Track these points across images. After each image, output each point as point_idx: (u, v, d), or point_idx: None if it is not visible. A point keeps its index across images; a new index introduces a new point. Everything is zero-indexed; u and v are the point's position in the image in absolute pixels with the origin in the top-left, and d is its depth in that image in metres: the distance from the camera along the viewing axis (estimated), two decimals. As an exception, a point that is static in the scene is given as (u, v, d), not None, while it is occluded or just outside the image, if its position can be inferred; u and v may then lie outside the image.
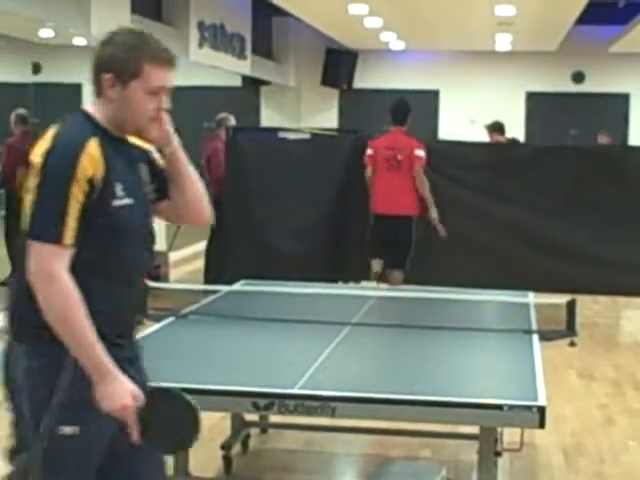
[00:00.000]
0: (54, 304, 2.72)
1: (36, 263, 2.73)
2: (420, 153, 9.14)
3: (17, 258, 2.87)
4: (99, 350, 2.73)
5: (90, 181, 2.73)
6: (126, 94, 2.87)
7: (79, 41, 12.32)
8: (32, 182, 2.76)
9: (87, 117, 2.90)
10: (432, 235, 9.23)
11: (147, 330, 4.67)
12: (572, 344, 7.99)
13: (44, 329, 2.74)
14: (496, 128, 12.24)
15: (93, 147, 2.77)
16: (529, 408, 3.45)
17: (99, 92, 2.93)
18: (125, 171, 2.87)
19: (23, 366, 2.81)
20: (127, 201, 2.83)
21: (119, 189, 2.81)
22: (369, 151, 9.19)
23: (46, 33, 11.35)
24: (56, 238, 2.72)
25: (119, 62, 2.89)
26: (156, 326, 4.82)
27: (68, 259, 2.74)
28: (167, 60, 2.90)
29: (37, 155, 2.76)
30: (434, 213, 9.14)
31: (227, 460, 5.10)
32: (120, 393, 2.75)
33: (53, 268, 2.71)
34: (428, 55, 19.12)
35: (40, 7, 9.62)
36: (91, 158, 2.74)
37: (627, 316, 10.65)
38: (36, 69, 13.18)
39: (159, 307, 5.15)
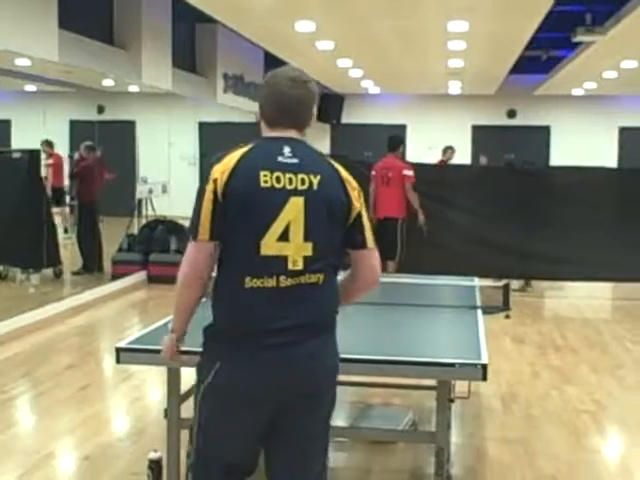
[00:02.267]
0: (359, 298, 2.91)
1: (378, 266, 2.79)
2: (408, 173, 9.48)
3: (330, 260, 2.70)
4: None
5: None
6: None
7: (133, 88, 12.30)
8: (364, 207, 2.76)
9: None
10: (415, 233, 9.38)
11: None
12: (507, 317, 8.06)
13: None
14: (445, 150, 12.78)
15: None
16: (474, 365, 3.44)
17: (310, 123, 2.80)
18: None
19: (335, 354, 2.77)
20: None
21: None
22: (372, 172, 9.56)
23: (108, 82, 11.32)
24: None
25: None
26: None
27: None
28: None
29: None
30: (421, 218, 9.44)
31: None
32: None
33: None
34: (398, 97, 19.12)
35: (103, 62, 9.62)
36: None
37: (549, 295, 10.66)
38: (100, 110, 13.14)
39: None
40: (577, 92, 17.64)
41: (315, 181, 2.62)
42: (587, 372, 6.64)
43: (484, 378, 3.44)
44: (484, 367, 3.43)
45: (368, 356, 3.61)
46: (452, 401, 4.00)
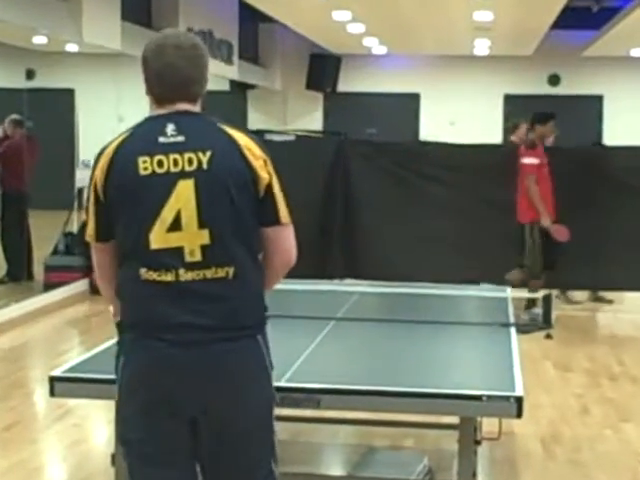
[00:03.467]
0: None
1: (293, 245, 3.00)
2: (528, 161, 9.18)
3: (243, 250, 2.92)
4: None
5: None
6: None
7: (71, 47, 12.29)
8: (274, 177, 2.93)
9: None
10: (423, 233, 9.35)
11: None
12: (548, 336, 8.04)
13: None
14: (515, 125, 11.90)
15: None
16: (507, 398, 3.46)
17: (203, 92, 3.02)
18: None
19: (262, 357, 2.95)
20: None
21: None
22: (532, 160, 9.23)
23: (39, 40, 11.31)
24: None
25: None
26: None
27: None
28: None
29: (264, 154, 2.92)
30: (546, 221, 9.12)
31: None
32: None
33: None
34: (409, 59, 19.13)
35: (33, 15, 9.60)
36: None
37: (602, 309, 10.67)
38: (29, 75, 13.13)
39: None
40: (637, 52, 17.68)
41: (205, 159, 2.85)
42: (650, 407, 6.67)
43: (519, 415, 3.46)
44: (519, 401, 3.44)
45: (372, 387, 3.62)
46: (478, 443, 4.01)
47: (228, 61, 14.73)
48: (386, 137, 16.16)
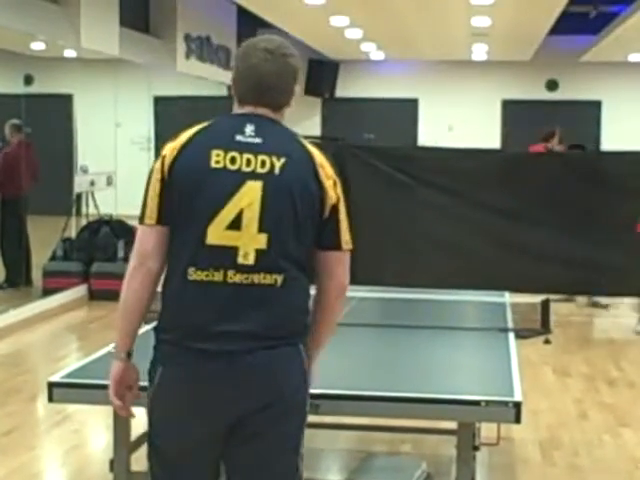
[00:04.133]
0: (340, 311, 3.02)
1: (348, 272, 2.94)
2: None
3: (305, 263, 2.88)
4: None
5: None
6: None
7: (70, 53, 12.30)
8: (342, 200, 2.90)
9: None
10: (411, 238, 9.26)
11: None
12: (547, 342, 8.06)
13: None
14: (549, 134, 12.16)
15: None
16: (505, 404, 3.46)
17: (288, 103, 3.02)
18: None
19: (302, 366, 2.88)
20: None
21: None
22: None
23: (37, 46, 11.31)
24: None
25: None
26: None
27: None
28: None
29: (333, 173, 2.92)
30: None
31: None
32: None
33: None
34: (407, 65, 19.15)
35: (31, 20, 9.60)
36: None
37: (600, 314, 10.68)
38: (28, 80, 13.13)
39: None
40: (635, 58, 17.70)
41: (278, 164, 2.80)
42: (648, 412, 6.67)
43: (518, 420, 3.46)
44: (517, 406, 3.45)
45: (370, 392, 3.62)
46: (477, 449, 4.01)
47: (226, 67, 14.74)
48: (385, 142, 16.15)
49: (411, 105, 19.22)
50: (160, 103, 15.52)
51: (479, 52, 17.52)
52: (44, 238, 11.34)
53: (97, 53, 11.02)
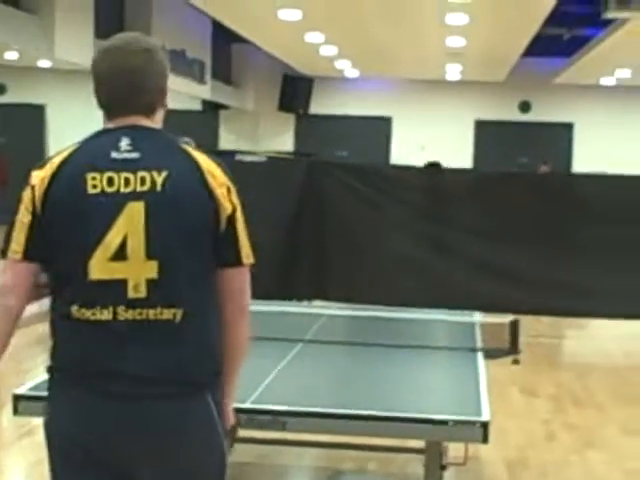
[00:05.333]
0: (247, 335, 2.66)
1: (248, 288, 2.63)
2: None
3: (194, 293, 2.54)
4: None
5: None
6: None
7: (44, 63, 12.26)
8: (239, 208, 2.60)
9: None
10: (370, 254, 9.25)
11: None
12: (515, 362, 8.06)
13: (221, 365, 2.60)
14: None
15: None
16: (473, 423, 3.46)
17: (161, 104, 2.70)
18: None
19: (211, 422, 2.56)
20: None
21: None
22: None
23: (11, 55, 11.27)
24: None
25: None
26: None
27: None
28: None
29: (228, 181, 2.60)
30: None
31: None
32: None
33: None
34: (381, 83, 19.22)
35: (4, 30, 9.57)
36: None
37: (568, 335, 10.72)
38: (1, 90, 13.08)
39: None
40: (607, 81, 17.85)
41: (159, 180, 2.50)
42: (616, 433, 6.67)
43: (485, 440, 3.46)
44: (485, 426, 3.44)
45: (338, 410, 3.61)
46: (444, 468, 4.00)
47: (200, 81, 14.74)
48: (357, 160, 16.20)
49: (384, 123, 19.32)
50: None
51: (453, 72, 17.62)
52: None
53: (71, 64, 10.99)
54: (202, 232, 2.52)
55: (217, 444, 2.57)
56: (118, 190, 2.48)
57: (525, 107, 19.39)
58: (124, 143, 2.53)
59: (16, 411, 3.66)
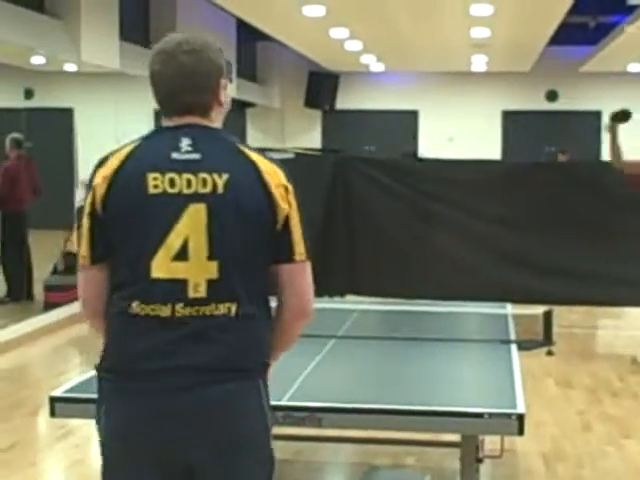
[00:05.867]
0: (297, 334, 2.82)
1: (309, 287, 2.67)
2: None
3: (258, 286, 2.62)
4: None
5: None
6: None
7: (70, 67, 12.32)
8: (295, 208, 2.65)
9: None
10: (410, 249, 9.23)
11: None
12: (550, 353, 8.04)
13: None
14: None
15: None
16: (508, 416, 3.45)
17: (217, 103, 2.77)
18: None
19: (260, 403, 2.61)
20: None
21: None
22: None
23: (38, 60, 11.33)
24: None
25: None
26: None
27: None
28: None
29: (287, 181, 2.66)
30: None
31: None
32: None
33: None
34: (407, 76, 19.19)
35: (31, 35, 9.62)
36: None
37: (603, 325, 10.66)
38: (28, 94, 13.15)
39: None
40: (634, 68, 17.73)
41: (220, 182, 2.54)
42: (652, 423, 6.65)
43: (521, 432, 3.45)
44: (520, 418, 3.44)
45: (373, 405, 3.61)
46: (480, 461, 4.00)
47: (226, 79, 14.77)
48: (385, 154, 16.17)
49: (411, 117, 19.27)
50: (161, 117, 15.52)
51: (479, 63, 17.55)
52: (45, 252, 11.33)
53: (97, 67, 11.03)
54: (261, 233, 2.57)
55: (265, 424, 2.62)
56: (180, 191, 2.53)
57: (552, 96, 19.29)
58: (184, 144, 2.57)
59: (53, 413, 3.68)
